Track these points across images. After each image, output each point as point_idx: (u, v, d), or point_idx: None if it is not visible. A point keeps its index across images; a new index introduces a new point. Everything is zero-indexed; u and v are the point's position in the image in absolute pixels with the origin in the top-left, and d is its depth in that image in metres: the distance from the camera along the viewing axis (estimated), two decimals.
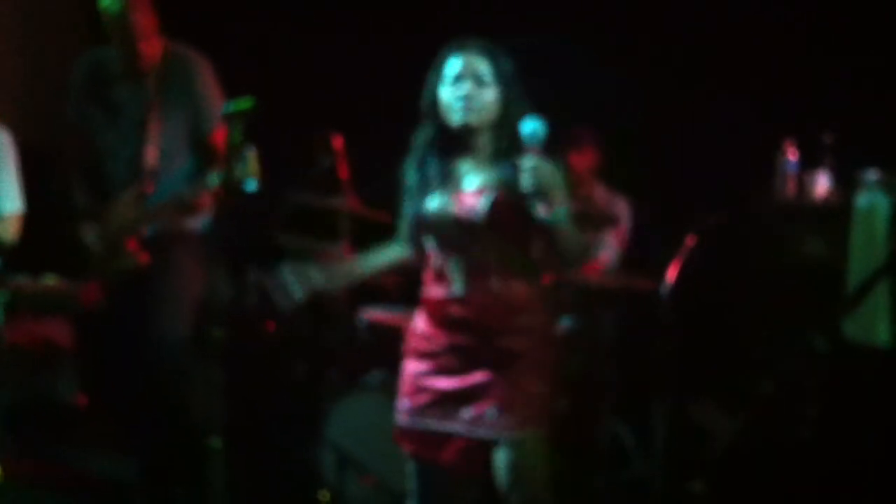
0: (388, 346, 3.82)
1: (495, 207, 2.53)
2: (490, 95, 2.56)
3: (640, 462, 3.91)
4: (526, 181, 2.44)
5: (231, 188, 2.91)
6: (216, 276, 3.69)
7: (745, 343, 3.81)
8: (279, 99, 4.36)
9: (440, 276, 2.62)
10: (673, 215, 3.67)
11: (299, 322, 4.33)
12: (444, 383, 2.58)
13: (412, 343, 2.68)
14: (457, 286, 2.58)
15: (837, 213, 3.59)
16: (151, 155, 3.46)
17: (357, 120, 4.22)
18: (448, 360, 2.58)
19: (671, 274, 3.53)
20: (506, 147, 2.55)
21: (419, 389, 2.61)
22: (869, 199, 3.53)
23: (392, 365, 3.69)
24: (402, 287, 3.96)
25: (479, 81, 2.55)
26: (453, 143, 2.61)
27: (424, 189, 2.63)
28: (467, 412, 2.54)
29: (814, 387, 3.42)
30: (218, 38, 4.00)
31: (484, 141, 2.59)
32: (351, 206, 3.87)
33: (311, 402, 3.88)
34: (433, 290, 2.64)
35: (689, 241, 3.56)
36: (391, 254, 2.79)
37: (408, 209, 2.68)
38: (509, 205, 2.52)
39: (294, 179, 3.89)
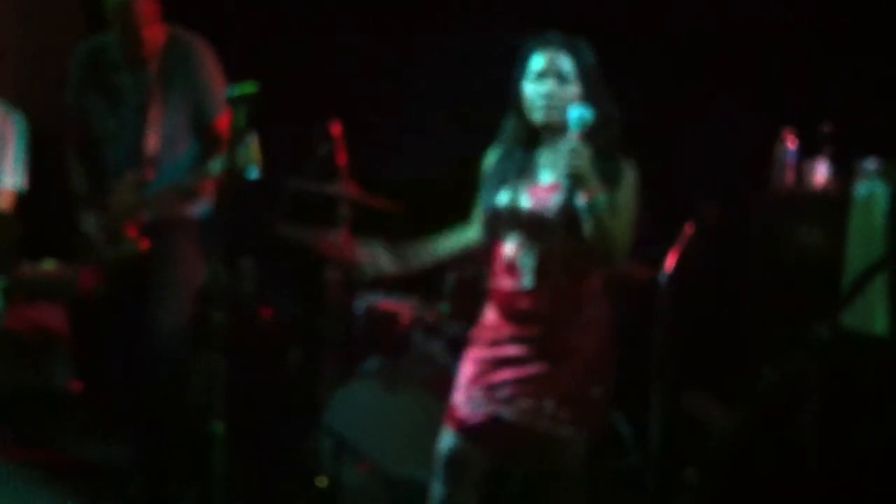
0: (386, 333, 3.83)
1: (567, 206, 2.53)
2: (572, 93, 2.58)
3: (637, 453, 3.90)
4: (563, 163, 2.46)
5: (233, 175, 2.91)
6: (215, 261, 3.67)
7: (743, 333, 3.81)
8: (277, 85, 4.35)
9: (511, 269, 2.65)
10: (671, 204, 3.66)
11: (296, 309, 4.33)
12: (507, 372, 2.62)
13: (480, 332, 2.73)
14: (526, 279, 2.62)
15: (836, 202, 3.59)
16: (152, 142, 3.44)
17: (356, 106, 4.21)
18: (512, 349, 2.63)
19: (669, 263, 3.52)
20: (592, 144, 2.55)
21: (481, 374, 2.66)
22: (868, 188, 3.52)
23: (389, 352, 3.71)
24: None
25: (561, 79, 2.58)
26: (535, 137, 2.65)
27: (501, 180, 2.67)
28: (526, 402, 2.58)
29: (815, 377, 3.42)
30: (218, 23, 3.98)
31: (558, 138, 2.59)
32: (349, 192, 3.87)
33: (309, 389, 3.88)
34: (503, 282, 2.68)
35: (688, 230, 3.55)
36: (466, 237, 2.84)
37: (484, 198, 2.70)
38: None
39: (292, 166, 3.88)
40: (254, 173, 2.94)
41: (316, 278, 4.05)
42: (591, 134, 2.51)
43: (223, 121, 3.46)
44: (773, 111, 3.89)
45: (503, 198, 2.66)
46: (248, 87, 2.76)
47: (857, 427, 3.39)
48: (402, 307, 3.86)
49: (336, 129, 3.87)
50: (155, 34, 3.45)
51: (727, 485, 3.68)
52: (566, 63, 2.59)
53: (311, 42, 4.95)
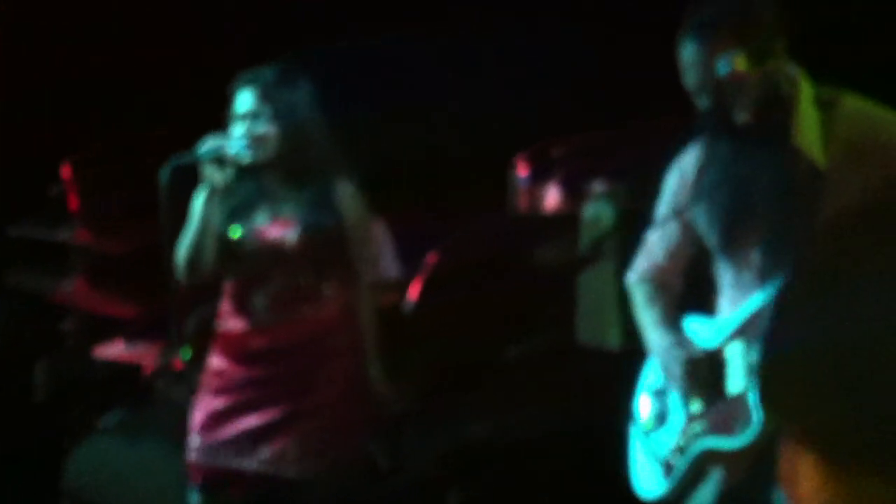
0: (128, 382, 3.69)
1: (302, 237, 2.57)
2: (270, 132, 2.59)
3: (395, 478, 3.94)
4: None
5: None
6: None
7: (486, 352, 3.93)
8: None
9: (241, 309, 2.62)
10: (414, 231, 3.73)
11: (31, 362, 4.10)
12: (243, 420, 2.58)
13: (206, 380, 2.67)
14: (260, 317, 2.59)
15: (568, 223, 3.78)
16: None
17: (90, 145, 4.04)
18: (246, 394, 2.60)
19: (413, 291, 3.59)
20: (298, 179, 2.62)
21: (214, 426, 2.61)
22: (595, 209, 3.75)
23: (131, 403, 3.58)
24: (143, 321, 3.82)
25: (257, 119, 2.59)
26: (249, 177, 2.63)
27: (227, 219, 2.63)
28: (267, 450, 2.55)
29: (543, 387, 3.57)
30: None
31: (276, 174, 2.63)
32: (82, 238, 3.71)
33: (46, 447, 3.68)
34: (232, 323, 2.65)
35: (431, 258, 3.64)
36: None
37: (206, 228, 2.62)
38: (315, 233, 2.58)
39: (18, 211, 3.69)
40: None
41: (53, 328, 3.86)
42: (283, 162, 2.61)
43: None
44: (505, 135, 4.02)
45: (235, 232, 2.63)
46: None
47: (599, 433, 3.58)
48: (145, 354, 3.73)
49: (66, 170, 3.73)
50: None
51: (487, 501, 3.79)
52: (263, 103, 2.61)
53: (38, 75, 4.68)
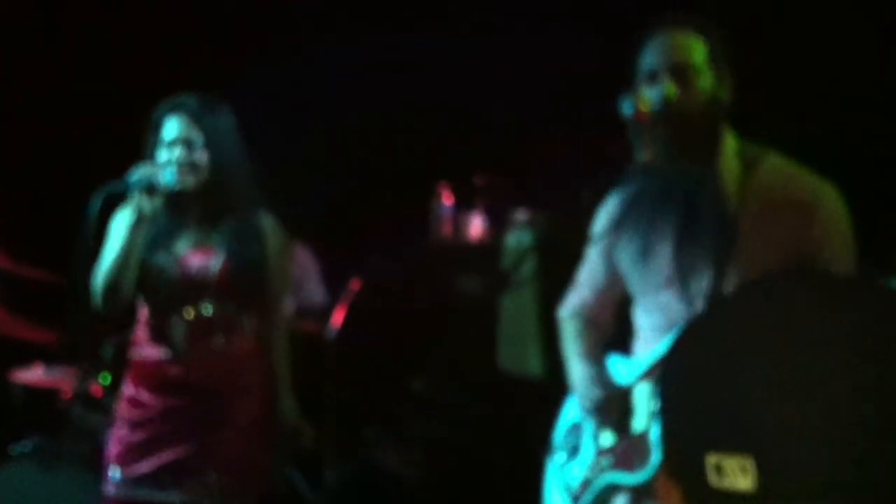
0: (45, 409, 3.62)
1: (225, 266, 2.58)
2: (202, 158, 2.57)
3: None
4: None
5: None
6: None
7: (412, 378, 3.95)
8: None
9: (157, 337, 2.60)
10: (337, 260, 3.75)
11: None
12: (162, 454, 2.55)
13: (122, 410, 2.64)
14: (177, 346, 2.58)
15: (491, 252, 3.83)
16: None
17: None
18: (163, 425, 2.57)
19: (336, 318, 3.60)
20: (224, 207, 2.61)
21: (132, 458, 2.57)
22: (517, 237, 3.80)
23: (49, 430, 3.51)
24: (64, 345, 3.76)
25: (189, 145, 2.56)
26: (174, 204, 2.61)
27: (149, 246, 2.60)
28: (187, 484, 2.54)
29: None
30: None
31: (202, 202, 2.62)
32: (0, 262, 3.64)
33: None
34: (147, 352, 2.62)
35: (354, 285, 3.66)
36: None
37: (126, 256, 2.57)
38: (239, 263, 2.59)
39: None
40: None
41: None
42: (208, 193, 2.60)
43: None
44: (428, 165, 4.07)
45: (159, 260, 2.61)
46: None
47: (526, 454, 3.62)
48: (61, 380, 3.66)
49: None
50: None
51: None
52: (194, 130, 2.59)
53: None
